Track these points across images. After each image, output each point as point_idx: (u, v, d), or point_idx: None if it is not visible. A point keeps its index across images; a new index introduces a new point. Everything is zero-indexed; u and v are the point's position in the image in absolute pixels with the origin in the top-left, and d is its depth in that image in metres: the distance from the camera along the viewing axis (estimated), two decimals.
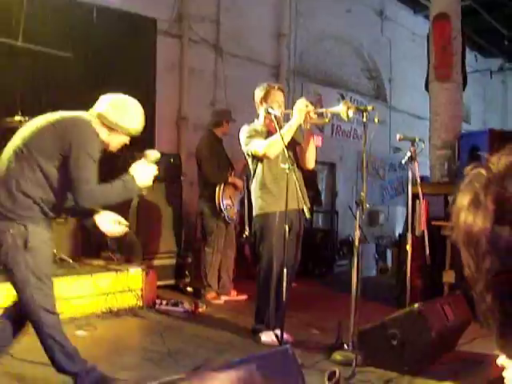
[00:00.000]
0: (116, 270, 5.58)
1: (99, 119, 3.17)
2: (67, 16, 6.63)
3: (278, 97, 4.68)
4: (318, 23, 10.47)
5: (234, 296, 6.33)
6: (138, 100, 3.33)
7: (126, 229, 3.32)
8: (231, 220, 6.23)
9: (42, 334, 3.08)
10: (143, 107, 3.32)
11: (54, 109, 5.97)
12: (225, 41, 8.90)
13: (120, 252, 5.99)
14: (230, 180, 6.23)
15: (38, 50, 6.47)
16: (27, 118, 5.52)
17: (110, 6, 7.11)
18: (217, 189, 6.11)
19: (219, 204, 6.08)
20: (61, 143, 3.02)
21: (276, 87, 4.75)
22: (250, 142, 4.57)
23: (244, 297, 6.28)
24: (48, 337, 3.08)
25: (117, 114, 3.19)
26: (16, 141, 3.11)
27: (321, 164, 10.28)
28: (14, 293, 3.12)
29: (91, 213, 3.24)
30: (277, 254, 4.40)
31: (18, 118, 5.52)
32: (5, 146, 3.13)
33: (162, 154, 6.78)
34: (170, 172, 6.66)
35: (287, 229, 4.08)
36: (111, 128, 3.19)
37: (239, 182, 6.31)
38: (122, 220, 3.31)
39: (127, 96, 3.28)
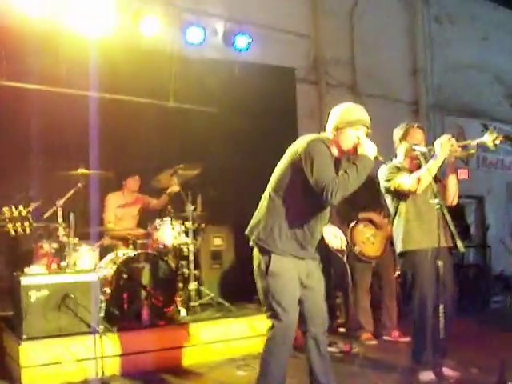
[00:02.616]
0: None
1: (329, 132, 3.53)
2: (212, 75, 7.13)
3: (418, 134, 4.71)
4: (453, 54, 10.36)
5: (396, 337, 6.15)
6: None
7: (344, 245, 3.70)
8: (366, 258, 6.15)
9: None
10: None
11: (203, 160, 6.43)
12: (361, 82, 9.05)
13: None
14: (362, 216, 6.18)
15: (186, 108, 7.08)
16: (182, 167, 6.04)
17: (250, 61, 7.54)
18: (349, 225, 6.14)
19: (349, 242, 6.06)
20: (292, 160, 3.43)
21: (415, 125, 4.79)
22: (393, 177, 4.60)
23: (407, 339, 5.79)
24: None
25: (342, 113, 3.52)
26: None
27: (468, 198, 9.97)
28: None
29: None
30: (430, 290, 4.36)
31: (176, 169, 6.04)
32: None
33: None
34: None
35: (440, 264, 4.02)
36: (339, 128, 3.48)
37: (377, 218, 6.23)
38: (343, 237, 3.71)
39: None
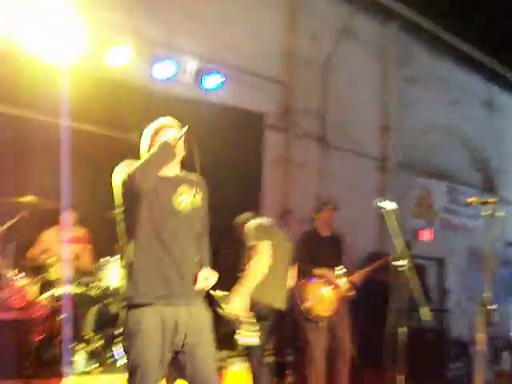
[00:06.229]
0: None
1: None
2: (177, 112, 6.89)
3: None
4: (423, 115, 10.39)
5: None
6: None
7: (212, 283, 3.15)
8: (315, 317, 5.72)
9: None
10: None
11: None
12: (330, 134, 8.94)
13: None
14: (316, 272, 5.70)
15: None
16: None
17: (219, 102, 7.35)
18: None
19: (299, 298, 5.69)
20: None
21: None
22: None
23: None
24: None
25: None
26: None
27: (429, 259, 9.84)
28: None
29: None
30: None
31: None
32: None
33: None
34: None
35: None
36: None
37: (330, 276, 5.75)
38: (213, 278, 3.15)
39: None
